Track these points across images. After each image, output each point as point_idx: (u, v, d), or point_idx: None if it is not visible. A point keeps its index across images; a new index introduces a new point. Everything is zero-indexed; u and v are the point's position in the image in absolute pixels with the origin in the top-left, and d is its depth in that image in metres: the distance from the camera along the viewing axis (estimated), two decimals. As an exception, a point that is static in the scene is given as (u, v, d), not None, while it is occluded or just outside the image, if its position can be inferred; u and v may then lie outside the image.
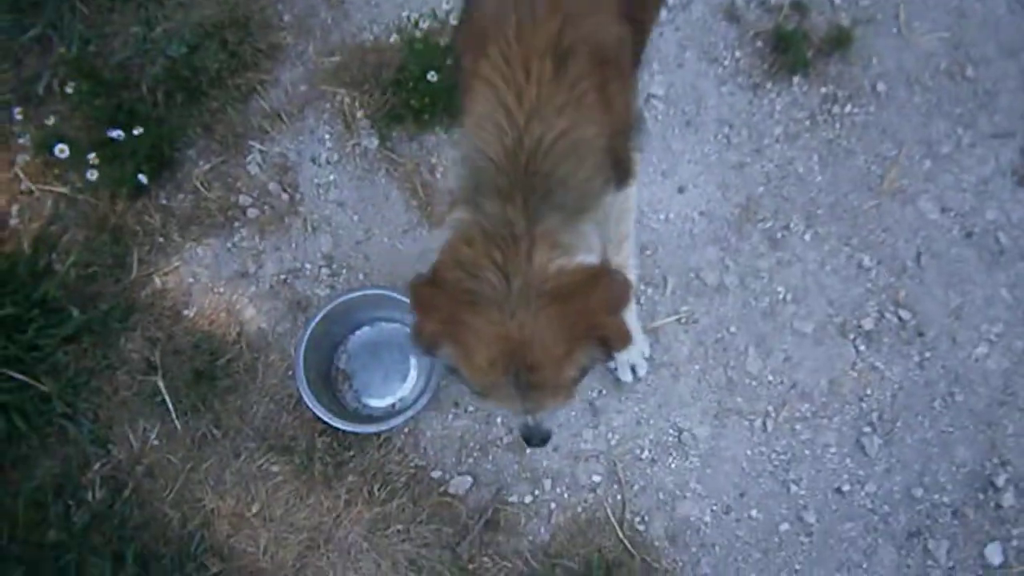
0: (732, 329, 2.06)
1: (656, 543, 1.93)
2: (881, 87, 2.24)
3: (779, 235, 2.14)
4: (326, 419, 1.89)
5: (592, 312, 1.24)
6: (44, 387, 2.02)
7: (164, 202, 2.24)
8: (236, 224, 2.22)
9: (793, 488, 1.96)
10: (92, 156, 2.10)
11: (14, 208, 2.26)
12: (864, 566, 1.92)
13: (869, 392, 2.02)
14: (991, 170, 2.18)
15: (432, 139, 2.24)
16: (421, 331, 1.29)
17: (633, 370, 1.99)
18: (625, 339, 1.28)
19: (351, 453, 1.99)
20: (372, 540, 1.92)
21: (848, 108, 2.23)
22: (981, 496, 1.95)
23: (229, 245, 2.20)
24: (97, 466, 2.00)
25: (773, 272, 2.10)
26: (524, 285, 1.23)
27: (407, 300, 1.91)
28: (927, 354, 2.04)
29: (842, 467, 1.98)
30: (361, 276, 2.14)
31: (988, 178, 2.17)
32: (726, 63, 2.25)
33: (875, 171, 2.19)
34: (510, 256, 1.24)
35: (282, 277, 2.17)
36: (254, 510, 1.96)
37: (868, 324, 2.06)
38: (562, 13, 1.27)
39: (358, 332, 2.10)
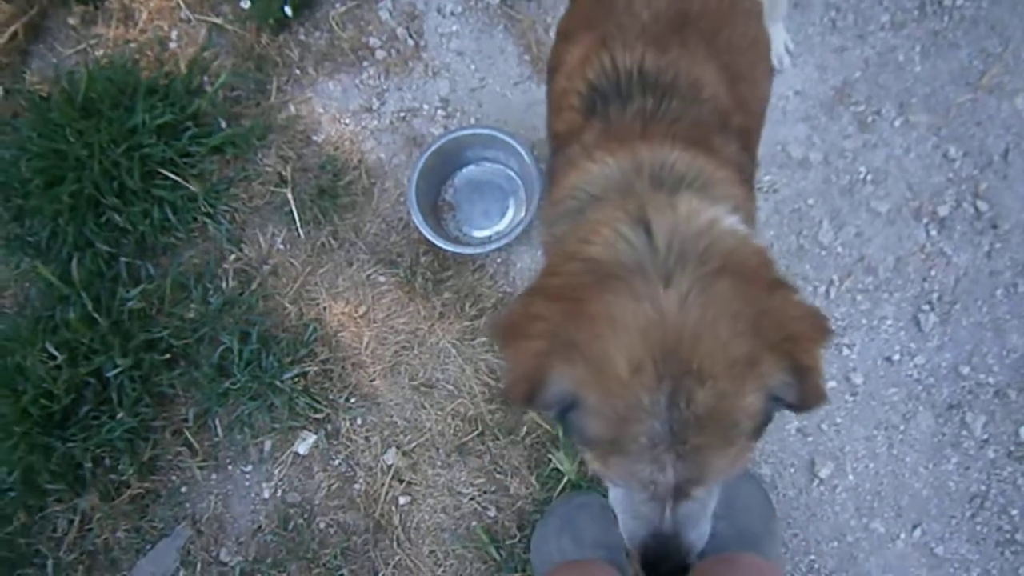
0: (810, 201, 2.19)
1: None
2: (997, -17, 2.26)
3: (869, 119, 2.23)
4: (431, 238, 2.14)
5: (784, 317, 0.89)
6: (193, 188, 2.32)
7: (303, 38, 2.48)
8: (365, 63, 2.44)
9: (845, 351, 2.12)
10: (248, -15, 2.34)
11: (173, 33, 2.54)
12: (901, 428, 2.08)
13: (933, 274, 2.13)
14: (1096, 76, 2.20)
15: (549, 0, 2.39)
16: (515, 369, 0.92)
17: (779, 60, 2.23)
18: (823, 396, 0.92)
19: (449, 273, 2.25)
20: (460, 347, 2.19)
21: (960, 1, 2.26)
22: (1026, 380, 2.07)
23: (357, 82, 2.44)
24: (231, 259, 2.31)
25: (858, 153, 2.21)
26: (674, 240, 0.89)
27: (513, 142, 2.15)
28: (997, 245, 2.13)
29: (895, 338, 2.12)
30: (473, 120, 2.35)
31: (1092, 83, 2.19)
32: (842, -53, 2.31)
33: (976, 66, 2.23)
34: (648, 197, 0.98)
35: (401, 115, 2.39)
36: (361, 312, 2.25)
37: (943, 211, 2.16)
38: None
39: (465, 169, 2.32)
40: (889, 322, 2.12)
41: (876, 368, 2.11)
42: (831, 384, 2.11)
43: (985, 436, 2.05)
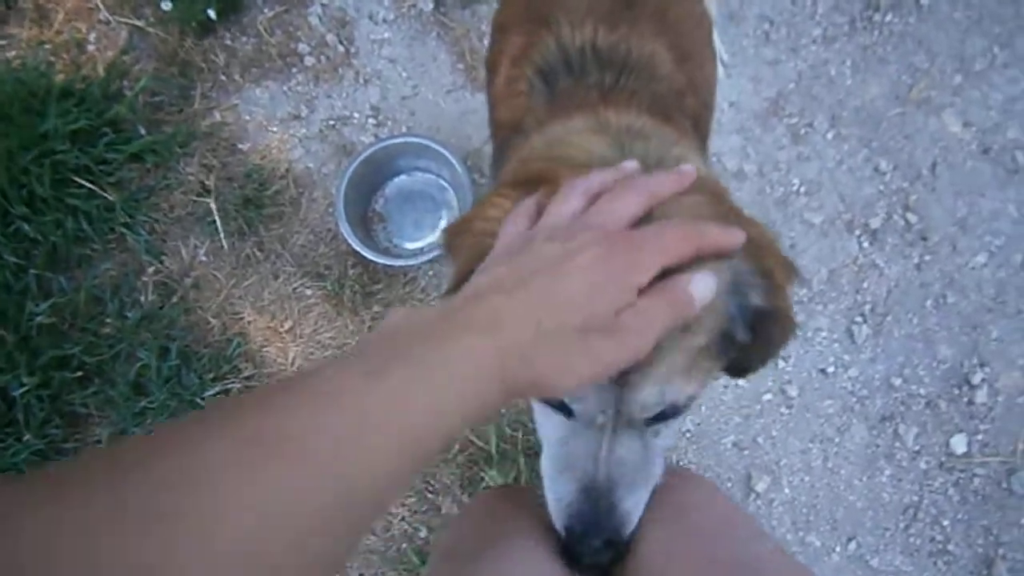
0: (745, 213, 2.18)
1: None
2: (925, 0, 2.29)
3: (802, 131, 2.23)
4: (360, 250, 2.06)
5: (753, 231, 0.82)
6: (110, 197, 2.21)
7: (229, 43, 2.40)
8: (293, 70, 2.37)
9: (780, 364, 2.11)
10: (169, -14, 2.25)
11: (92, 35, 2.43)
12: (836, 440, 2.07)
13: (866, 286, 2.14)
14: (1020, 91, 2.24)
15: (484, 8, 2.35)
16: (459, 260, 0.85)
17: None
18: (793, 321, 0.86)
19: (379, 286, 2.18)
20: (389, 362, 2.12)
21: (889, 17, 2.29)
22: (956, 391, 2.08)
23: (285, 89, 2.36)
24: (151, 271, 2.21)
25: (791, 164, 2.21)
26: (647, 155, 0.89)
27: (445, 152, 2.10)
28: (927, 257, 2.15)
29: (829, 351, 2.12)
30: (404, 128, 2.29)
31: (1016, 98, 2.23)
32: (775, -39, 2.32)
33: (905, 81, 2.26)
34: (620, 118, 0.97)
35: (331, 123, 2.32)
36: (287, 326, 2.17)
37: (875, 223, 2.17)
38: None
39: (396, 179, 2.26)
40: (823, 334, 2.12)
41: (811, 380, 2.10)
42: (767, 397, 2.10)
43: (917, 447, 2.05)
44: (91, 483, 0.44)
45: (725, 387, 2.11)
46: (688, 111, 1.23)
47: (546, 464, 0.95)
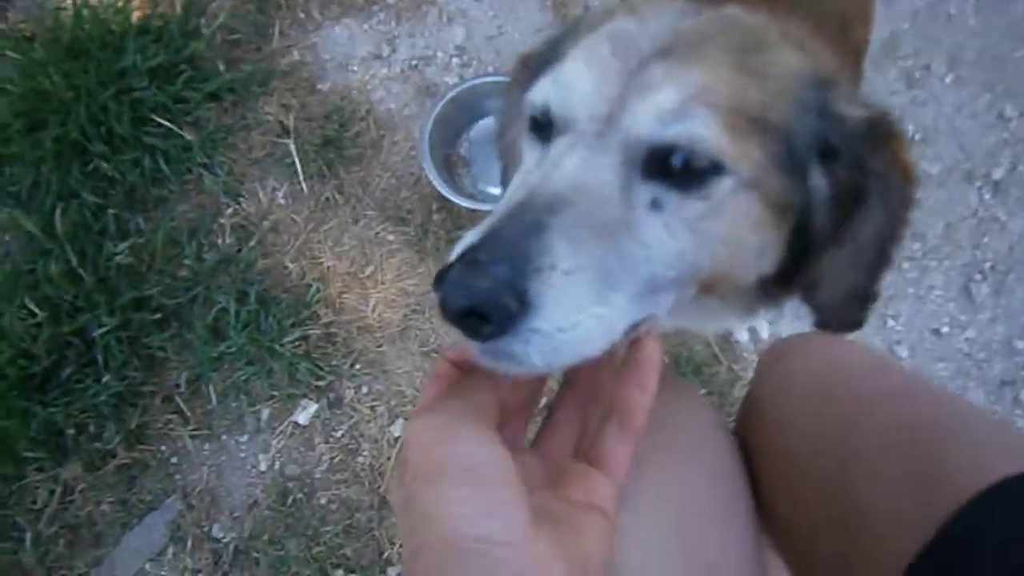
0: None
1: (745, 354, 1.99)
2: (1057, -68, 2.11)
3: (917, 74, 2.08)
4: (445, 193, 1.97)
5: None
6: (187, 136, 2.16)
7: (308, -21, 2.32)
8: (374, 7, 2.28)
9: (890, 323, 1.98)
10: (249, -83, 2.17)
11: (168, -28, 2.37)
12: (950, 405, 1.94)
13: (986, 240, 1.99)
14: None
15: (575, -58, 2.23)
16: None
17: None
18: (909, 170, 0.71)
19: (463, 232, 2.08)
20: (474, 311, 2.04)
21: (1017, -50, 2.12)
22: (1084, 356, 1.93)
23: (366, 27, 2.27)
24: (228, 213, 2.15)
25: (906, 109, 2.06)
26: None
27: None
28: (1055, 211, 1.99)
29: (943, 310, 1.98)
30: (490, 69, 2.19)
31: None
32: None
33: (1034, 20, 2.09)
34: None
35: (413, 63, 2.23)
36: (367, 272, 2.09)
37: (998, 174, 2.01)
38: None
39: (482, 121, 2.16)
40: (937, 292, 1.98)
41: (923, 341, 1.97)
42: (874, 357, 1.97)
43: (1039, 415, 1.91)
44: None
45: (829, 346, 1.99)
46: (852, 42, 1.17)
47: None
